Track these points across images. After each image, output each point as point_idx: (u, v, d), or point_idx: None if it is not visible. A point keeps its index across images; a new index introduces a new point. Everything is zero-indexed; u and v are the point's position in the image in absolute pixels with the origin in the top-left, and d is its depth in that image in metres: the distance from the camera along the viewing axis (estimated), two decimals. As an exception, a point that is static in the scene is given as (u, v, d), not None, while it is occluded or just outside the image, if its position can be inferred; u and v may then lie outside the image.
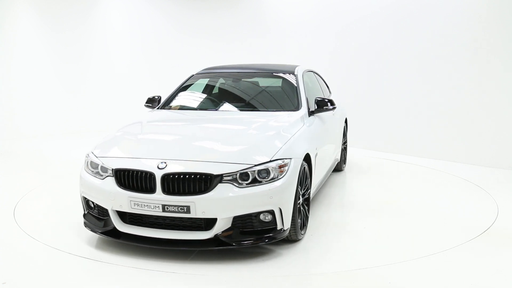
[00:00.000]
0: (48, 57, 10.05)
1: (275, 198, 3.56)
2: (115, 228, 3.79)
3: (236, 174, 3.54)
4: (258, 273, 3.49)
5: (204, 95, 5.43)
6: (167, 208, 3.55)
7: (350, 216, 4.88)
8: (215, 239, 3.58)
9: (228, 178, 3.53)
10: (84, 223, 4.04)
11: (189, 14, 11.05)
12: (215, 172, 3.51)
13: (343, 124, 6.61)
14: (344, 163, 6.84)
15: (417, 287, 3.30)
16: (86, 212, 4.07)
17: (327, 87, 6.68)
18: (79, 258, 3.76)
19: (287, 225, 3.71)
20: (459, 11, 7.13)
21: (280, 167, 3.65)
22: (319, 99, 4.93)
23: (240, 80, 5.50)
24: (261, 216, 3.62)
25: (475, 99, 7.11)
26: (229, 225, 3.58)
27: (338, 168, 6.59)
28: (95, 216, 3.98)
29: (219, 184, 3.52)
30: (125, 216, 3.78)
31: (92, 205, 3.99)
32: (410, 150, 7.83)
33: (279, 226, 3.66)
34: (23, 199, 5.29)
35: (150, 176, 3.59)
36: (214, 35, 10.84)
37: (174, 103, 5.26)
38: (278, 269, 3.57)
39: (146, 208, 3.60)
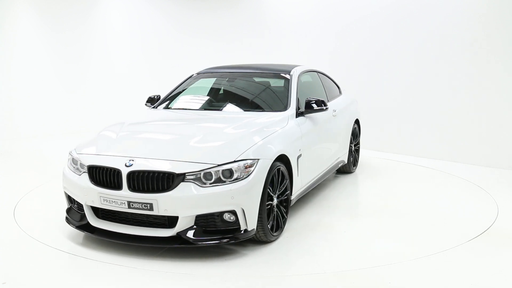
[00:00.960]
0: (48, 57, 10.05)
1: (237, 199, 3.58)
2: (89, 223, 3.94)
3: (200, 174, 3.59)
4: (220, 272, 3.49)
5: (198, 96, 5.50)
6: (132, 205, 3.65)
7: (339, 218, 4.82)
8: (178, 237, 3.64)
9: (191, 177, 3.59)
10: (66, 217, 4.20)
11: (189, 13, 11.05)
12: (177, 171, 3.58)
13: (352, 125, 6.40)
14: (354, 165, 6.65)
15: (417, 287, 3.30)
16: (69, 207, 4.25)
17: (338, 87, 6.57)
18: (79, 258, 3.76)
19: (252, 226, 3.72)
20: (459, 11, 7.13)
21: (246, 167, 3.67)
22: (308, 100, 4.88)
23: (234, 80, 5.52)
24: (225, 216, 3.65)
25: (475, 99, 7.11)
26: (192, 223, 3.63)
27: (346, 170, 6.46)
28: (76, 210, 4.14)
29: (182, 183, 3.58)
30: (98, 212, 3.93)
31: (72, 200, 4.17)
32: (410, 150, 7.82)
33: (242, 227, 3.68)
34: (23, 199, 5.29)
35: (117, 173, 3.71)
36: (214, 35, 10.83)
37: (168, 103, 5.37)
38: (245, 269, 3.59)
39: (114, 204, 3.71)
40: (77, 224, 4.02)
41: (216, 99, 5.34)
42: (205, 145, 3.87)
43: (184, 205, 3.56)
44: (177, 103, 5.34)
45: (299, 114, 4.82)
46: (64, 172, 4.20)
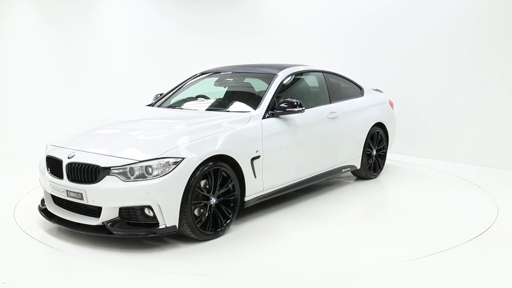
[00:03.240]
0: (49, 57, 10.05)
1: (152, 195, 3.73)
2: (47, 208, 4.36)
3: (125, 168, 3.79)
4: (219, 272, 3.49)
5: (186, 95, 5.60)
6: (69, 194, 4.01)
7: (341, 217, 4.86)
8: (104, 227, 3.88)
9: (116, 171, 3.81)
10: (38, 205, 4.56)
11: (190, 11, 11.03)
12: (103, 165, 3.83)
13: (369, 128, 6.04)
14: (375, 171, 6.26)
15: (417, 287, 3.30)
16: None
17: (360, 88, 6.24)
18: (79, 258, 3.76)
19: (172, 222, 3.83)
20: (458, 11, 7.13)
21: (170, 165, 3.79)
22: (282, 101, 4.80)
23: (223, 81, 5.61)
24: (146, 211, 3.82)
25: (475, 99, 7.11)
26: (116, 215, 3.85)
27: (362, 176, 6.15)
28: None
29: (107, 176, 3.82)
30: (55, 198, 4.31)
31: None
32: (410, 150, 7.82)
33: (161, 222, 3.82)
34: (23, 199, 5.28)
35: (60, 164, 4.10)
36: (215, 33, 10.79)
37: (163, 101, 5.58)
38: (245, 268, 3.59)
39: (57, 192, 4.13)
40: (40, 209, 4.46)
41: (198, 99, 5.47)
42: (139, 142, 4.06)
43: (106, 197, 3.81)
44: (166, 101, 5.56)
45: (271, 115, 4.75)
46: (40, 161, 4.60)
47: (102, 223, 3.86)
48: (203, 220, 4.02)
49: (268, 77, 5.16)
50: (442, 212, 4.98)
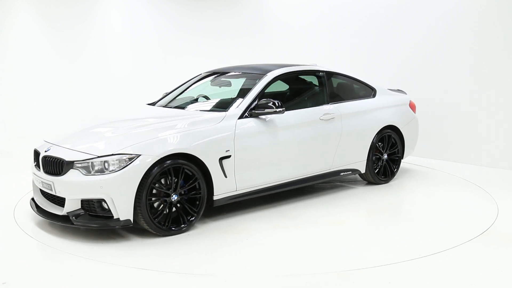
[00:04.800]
0: (49, 57, 10.04)
1: (106, 189, 3.92)
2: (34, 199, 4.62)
3: (87, 163, 4.01)
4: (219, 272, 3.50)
5: (187, 95, 5.64)
6: (43, 184, 4.31)
7: (338, 217, 4.87)
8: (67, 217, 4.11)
9: (79, 165, 4.03)
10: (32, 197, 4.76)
11: (190, 12, 11.03)
12: (67, 159, 4.09)
13: (377, 131, 5.76)
14: (385, 176, 5.96)
15: (417, 287, 3.30)
16: None
17: (371, 89, 5.99)
18: (79, 258, 3.76)
19: (125, 216, 3.99)
20: (457, 10, 7.13)
21: (125, 161, 3.96)
22: (260, 101, 4.76)
23: (216, 81, 5.63)
24: (103, 204, 3.99)
25: (475, 99, 7.11)
26: (79, 206, 4.06)
27: (369, 180, 5.89)
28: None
29: (71, 170, 4.05)
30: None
31: None
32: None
33: (114, 216, 3.98)
34: (23, 199, 5.28)
35: (38, 156, 4.44)
36: (215, 34, 10.80)
37: (163, 101, 5.65)
38: (243, 268, 3.58)
39: (38, 182, 4.45)
40: (32, 199, 4.68)
41: (189, 99, 5.51)
42: (104, 139, 4.28)
43: (69, 189, 4.06)
44: (163, 101, 5.63)
45: (249, 115, 4.73)
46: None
47: (67, 213, 4.09)
48: (161, 215, 4.14)
49: (257, 77, 5.15)
50: (442, 212, 4.98)
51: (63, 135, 4.61)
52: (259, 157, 4.75)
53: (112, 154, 3.99)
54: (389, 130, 5.94)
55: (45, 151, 4.33)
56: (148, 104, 5.72)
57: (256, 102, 4.80)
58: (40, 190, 4.53)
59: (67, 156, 4.11)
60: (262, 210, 4.95)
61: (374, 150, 5.78)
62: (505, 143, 6.84)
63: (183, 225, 4.25)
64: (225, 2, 10.59)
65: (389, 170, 6.02)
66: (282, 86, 5.57)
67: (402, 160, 6.23)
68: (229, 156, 4.48)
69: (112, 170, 3.95)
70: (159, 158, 4.04)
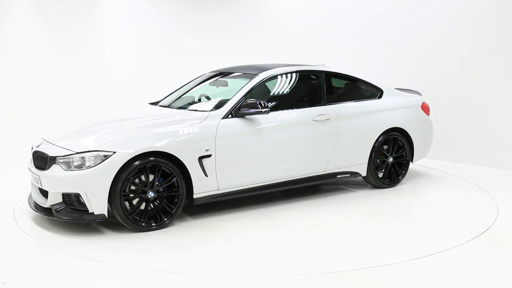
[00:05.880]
0: (49, 57, 10.03)
1: (80, 184, 4.09)
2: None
3: (67, 158, 4.18)
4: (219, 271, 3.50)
5: (179, 95, 5.68)
6: (33, 177, 4.53)
7: (336, 218, 4.85)
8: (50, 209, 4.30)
9: (61, 160, 4.21)
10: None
11: (190, 11, 11.01)
12: (50, 154, 4.28)
13: (379, 134, 5.59)
14: (391, 180, 5.76)
15: (417, 287, 3.30)
16: None
17: (378, 89, 5.81)
18: (79, 258, 3.76)
19: (99, 210, 4.13)
20: (457, 10, 7.13)
21: (101, 157, 4.11)
22: (245, 102, 4.77)
23: (214, 81, 5.64)
24: (80, 198, 4.15)
25: (475, 99, 7.10)
26: (60, 200, 4.25)
27: (374, 184, 5.71)
28: None
29: (54, 165, 4.24)
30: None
31: None
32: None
33: (89, 210, 4.14)
34: (23, 199, 5.28)
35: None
36: (215, 34, 10.79)
37: (164, 101, 5.68)
38: (242, 268, 3.59)
39: (31, 176, 4.63)
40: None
41: (191, 99, 5.52)
42: (88, 136, 4.41)
43: (51, 183, 4.26)
44: (165, 101, 5.67)
45: (234, 115, 4.74)
46: None
47: (50, 206, 4.28)
48: (137, 211, 4.26)
49: (249, 77, 5.15)
50: (442, 212, 4.98)
51: (59, 133, 4.71)
52: (243, 157, 4.75)
53: (89, 151, 4.16)
54: (395, 133, 5.74)
55: (37, 147, 4.53)
56: (150, 103, 5.74)
57: (240, 102, 4.81)
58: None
59: (51, 152, 4.31)
60: (244, 210, 4.94)
61: (377, 153, 5.63)
62: (505, 143, 6.84)
63: (160, 222, 4.36)
64: (225, 2, 10.58)
65: (394, 174, 5.81)
66: (277, 87, 5.54)
67: (411, 164, 6.00)
68: (209, 156, 4.53)
69: (88, 166, 4.11)
70: (134, 155, 4.16)
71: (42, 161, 4.38)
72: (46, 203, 4.33)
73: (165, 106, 5.42)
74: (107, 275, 3.50)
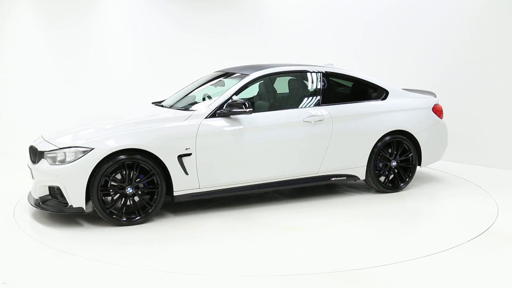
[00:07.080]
0: (49, 56, 10.03)
1: (60, 178, 4.31)
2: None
3: (53, 153, 4.41)
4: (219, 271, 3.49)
5: (183, 95, 5.68)
6: (30, 171, 4.72)
7: (335, 218, 4.86)
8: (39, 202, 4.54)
9: (48, 155, 4.43)
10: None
11: (190, 11, 11.01)
12: (40, 149, 4.53)
13: (380, 136, 5.39)
14: (393, 184, 5.56)
15: (417, 287, 3.30)
16: None
17: (383, 90, 5.61)
18: (79, 258, 3.76)
19: (78, 204, 4.33)
20: (455, 11, 7.13)
21: (80, 153, 4.31)
22: (230, 102, 4.80)
23: (211, 82, 5.67)
24: (62, 191, 4.34)
25: (474, 99, 7.10)
26: (47, 192, 4.52)
27: (375, 188, 5.54)
28: None
29: (42, 159, 4.47)
30: None
31: None
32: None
33: (69, 202, 4.35)
34: (23, 199, 5.28)
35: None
36: (216, 33, 10.78)
37: (167, 100, 5.71)
38: (241, 268, 3.59)
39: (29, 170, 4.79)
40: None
41: (189, 98, 5.55)
42: (74, 134, 4.58)
43: (38, 175, 4.51)
44: (167, 101, 5.69)
45: (218, 115, 4.76)
46: None
47: (39, 197, 4.54)
48: (116, 206, 4.43)
49: (240, 78, 5.15)
50: (442, 212, 4.98)
51: (55, 131, 4.88)
52: (225, 156, 4.76)
53: (70, 147, 4.37)
54: (399, 135, 5.51)
55: (33, 142, 4.80)
56: (153, 103, 5.74)
57: (227, 102, 4.83)
58: None
59: (40, 147, 4.55)
60: (224, 210, 4.95)
61: (377, 156, 5.44)
62: (505, 143, 6.84)
63: (138, 217, 4.50)
64: (225, 1, 10.58)
65: (398, 178, 5.57)
66: (269, 87, 5.54)
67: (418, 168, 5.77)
68: (189, 154, 4.58)
69: (68, 161, 4.32)
70: (111, 152, 4.33)
71: (35, 155, 4.61)
72: (36, 195, 4.58)
73: (168, 106, 5.38)
74: (107, 275, 3.50)
